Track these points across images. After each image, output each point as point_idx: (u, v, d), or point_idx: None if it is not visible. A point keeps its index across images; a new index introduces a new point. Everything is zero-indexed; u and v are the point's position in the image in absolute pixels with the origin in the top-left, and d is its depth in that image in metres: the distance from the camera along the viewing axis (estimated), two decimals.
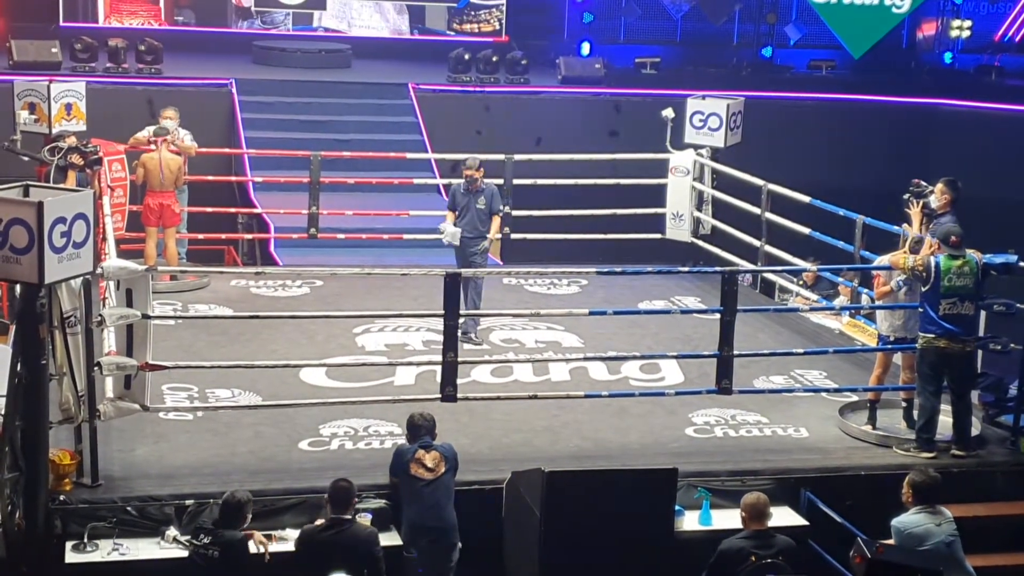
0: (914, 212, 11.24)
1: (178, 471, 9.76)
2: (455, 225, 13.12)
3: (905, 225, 11.27)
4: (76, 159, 12.96)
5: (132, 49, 19.99)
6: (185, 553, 8.82)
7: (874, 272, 11.54)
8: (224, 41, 22.77)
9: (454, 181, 16.70)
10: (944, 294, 10.34)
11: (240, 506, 8.69)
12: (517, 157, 15.07)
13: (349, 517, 8.80)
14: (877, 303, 11.44)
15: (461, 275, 10.31)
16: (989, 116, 22.02)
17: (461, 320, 10.70)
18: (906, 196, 11.41)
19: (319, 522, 8.88)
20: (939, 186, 11.29)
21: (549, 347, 12.76)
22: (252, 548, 8.81)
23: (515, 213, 15.17)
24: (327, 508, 8.85)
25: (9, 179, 9.18)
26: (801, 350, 12.02)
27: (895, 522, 9.07)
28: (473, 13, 23.93)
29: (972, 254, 10.48)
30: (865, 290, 12.81)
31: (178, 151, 14.49)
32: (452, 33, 23.93)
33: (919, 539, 8.94)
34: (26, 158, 13.76)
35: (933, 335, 10.42)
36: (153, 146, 14.20)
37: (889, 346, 11.12)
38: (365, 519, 9.20)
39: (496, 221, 13.22)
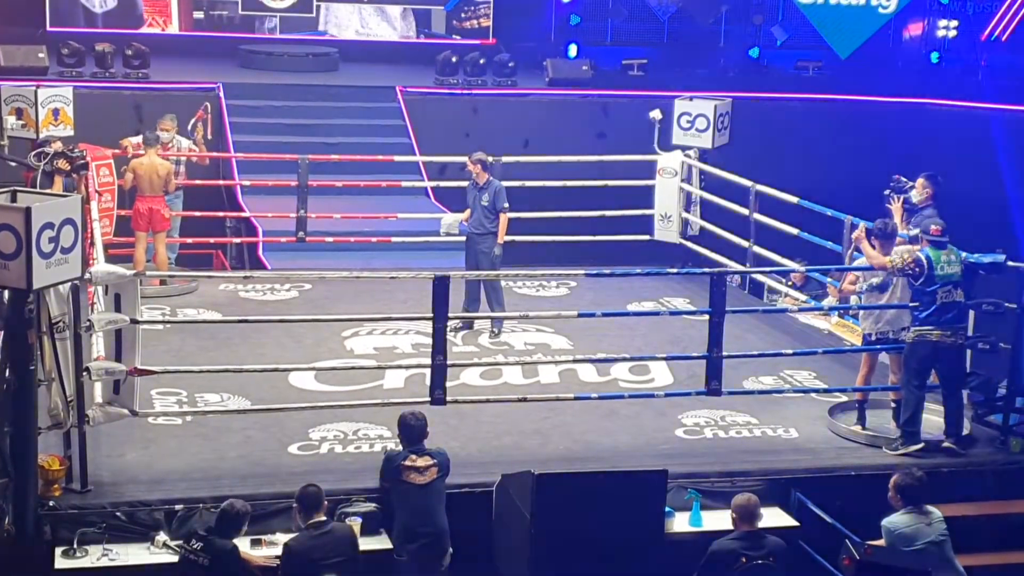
0: (895, 207, 11.38)
1: (167, 476, 9.75)
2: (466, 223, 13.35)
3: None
4: (62, 164, 12.94)
5: (119, 54, 19.95)
6: (175, 558, 8.82)
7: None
8: (211, 45, 22.71)
9: (442, 183, 16.81)
10: (940, 283, 10.38)
11: (238, 517, 8.68)
12: (505, 159, 15.07)
13: (325, 519, 8.82)
14: (845, 297, 11.55)
15: (450, 278, 10.31)
16: (976, 115, 22.06)
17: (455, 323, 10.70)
18: (887, 192, 11.57)
19: (296, 534, 8.88)
20: (920, 180, 11.50)
21: (538, 349, 12.77)
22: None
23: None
24: (298, 516, 8.85)
25: None
26: (790, 351, 12.03)
27: (885, 522, 9.09)
28: (472, 9, 23.89)
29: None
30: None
31: (166, 156, 14.54)
32: (457, 37, 23.80)
33: (909, 539, 8.96)
34: (13, 163, 13.74)
35: (929, 327, 10.43)
36: (142, 150, 14.23)
37: (876, 346, 11.14)
38: (356, 522, 9.21)
39: (503, 220, 13.19)
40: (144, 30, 22.34)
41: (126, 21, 22.41)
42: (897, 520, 9.07)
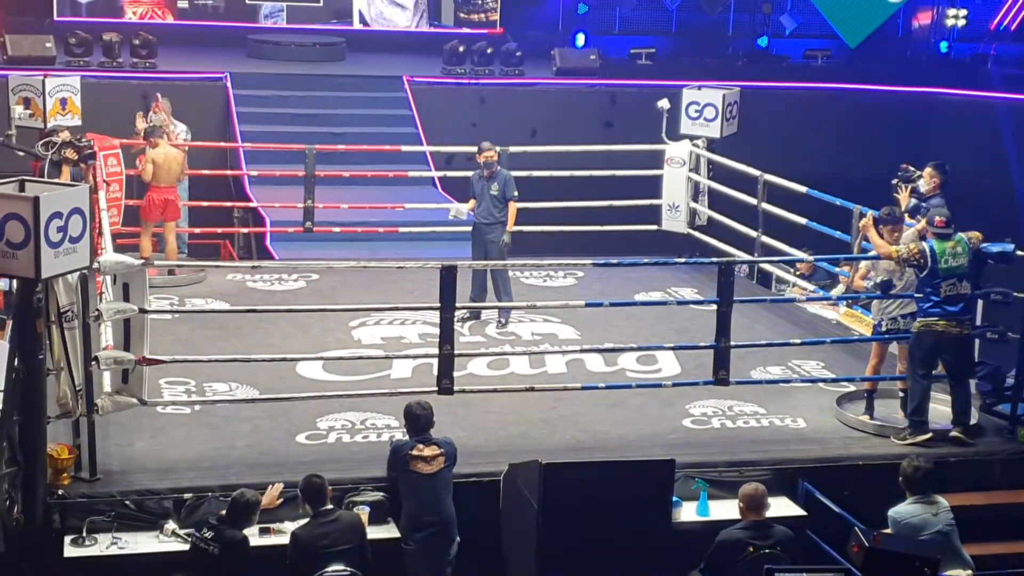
0: (903, 197, 11.36)
1: (176, 465, 9.77)
2: (473, 212, 13.31)
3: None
4: (70, 154, 12.96)
5: (126, 43, 19.96)
6: (184, 546, 8.86)
7: (859, 263, 11.63)
8: (218, 35, 22.71)
9: (449, 174, 16.80)
10: (944, 275, 10.35)
11: (249, 506, 8.71)
12: (512, 149, 15.05)
13: (332, 507, 8.84)
14: (858, 287, 11.55)
15: (458, 268, 10.31)
16: (985, 105, 22.03)
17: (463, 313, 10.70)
18: (894, 181, 11.54)
19: (303, 522, 8.90)
20: (927, 170, 11.46)
21: (546, 339, 12.76)
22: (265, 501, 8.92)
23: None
24: (304, 507, 8.87)
25: (5, 174, 9.18)
26: (798, 340, 12.04)
27: (892, 512, 9.08)
28: (479, 2, 23.83)
29: (963, 235, 10.51)
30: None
31: (179, 145, 14.54)
32: (467, 29, 23.74)
33: (916, 529, 8.96)
34: (21, 153, 13.75)
35: (934, 318, 10.40)
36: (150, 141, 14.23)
37: (886, 336, 11.13)
38: (363, 511, 9.22)
39: (512, 209, 13.18)
40: (151, 19, 22.35)
41: (108, 10, 22.41)
42: (904, 510, 9.06)
